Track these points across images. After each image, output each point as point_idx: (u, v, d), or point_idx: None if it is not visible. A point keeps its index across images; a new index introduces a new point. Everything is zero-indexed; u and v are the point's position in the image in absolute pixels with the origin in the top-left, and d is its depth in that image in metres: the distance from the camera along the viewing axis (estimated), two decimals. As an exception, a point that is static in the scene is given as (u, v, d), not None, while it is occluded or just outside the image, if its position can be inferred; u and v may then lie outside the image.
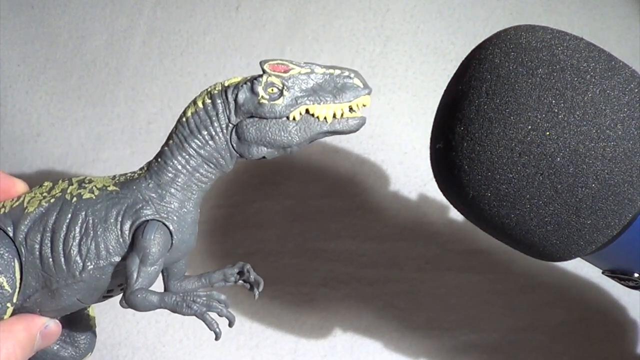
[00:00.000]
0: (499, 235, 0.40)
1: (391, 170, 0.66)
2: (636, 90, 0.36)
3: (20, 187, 0.44)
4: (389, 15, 0.67)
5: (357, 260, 0.65)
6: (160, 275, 0.44)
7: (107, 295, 0.42)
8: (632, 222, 0.36)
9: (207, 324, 0.38)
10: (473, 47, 0.40)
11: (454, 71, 0.41)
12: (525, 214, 0.37)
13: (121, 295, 0.40)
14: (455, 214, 0.60)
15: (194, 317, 0.38)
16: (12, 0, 0.72)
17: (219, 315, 0.39)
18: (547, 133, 0.35)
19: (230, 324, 0.39)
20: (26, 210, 0.41)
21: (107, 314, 0.67)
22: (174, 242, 0.40)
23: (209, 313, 0.39)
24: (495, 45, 0.38)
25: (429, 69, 0.66)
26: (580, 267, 0.61)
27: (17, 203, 0.42)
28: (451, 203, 0.42)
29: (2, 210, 0.42)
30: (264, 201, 0.67)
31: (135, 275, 0.38)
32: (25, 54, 0.72)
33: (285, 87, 0.39)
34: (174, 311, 0.38)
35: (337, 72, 0.40)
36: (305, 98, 0.39)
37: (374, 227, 0.65)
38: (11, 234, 0.41)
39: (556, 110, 0.35)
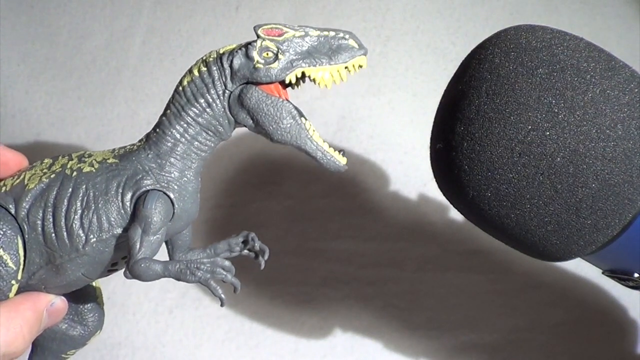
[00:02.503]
0: (499, 235, 0.40)
1: (391, 170, 0.66)
2: (636, 90, 0.36)
3: (20, 159, 0.44)
4: (389, 15, 0.67)
5: (357, 260, 0.65)
6: (165, 249, 0.45)
7: (112, 269, 0.42)
8: (632, 222, 0.36)
9: (211, 290, 0.38)
10: (473, 47, 0.40)
11: (454, 71, 0.41)
12: (525, 214, 0.37)
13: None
14: (455, 214, 0.59)
15: (199, 283, 0.38)
16: (12, 0, 0.72)
17: (224, 282, 0.39)
18: (547, 133, 0.35)
19: (235, 290, 0.39)
20: (27, 187, 0.41)
21: (107, 314, 0.66)
22: (175, 211, 0.40)
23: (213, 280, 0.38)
24: (495, 45, 0.38)
25: (429, 69, 0.66)
26: (580, 267, 0.61)
27: (17, 180, 0.42)
28: (451, 203, 0.42)
29: (3, 188, 0.42)
30: (264, 201, 0.67)
31: (138, 245, 0.39)
32: (25, 54, 0.72)
33: (280, 51, 0.39)
34: (177, 279, 0.38)
35: (332, 33, 0.39)
36: (301, 61, 0.39)
37: (374, 227, 0.65)
38: (13, 211, 0.41)
39: (556, 110, 0.35)
